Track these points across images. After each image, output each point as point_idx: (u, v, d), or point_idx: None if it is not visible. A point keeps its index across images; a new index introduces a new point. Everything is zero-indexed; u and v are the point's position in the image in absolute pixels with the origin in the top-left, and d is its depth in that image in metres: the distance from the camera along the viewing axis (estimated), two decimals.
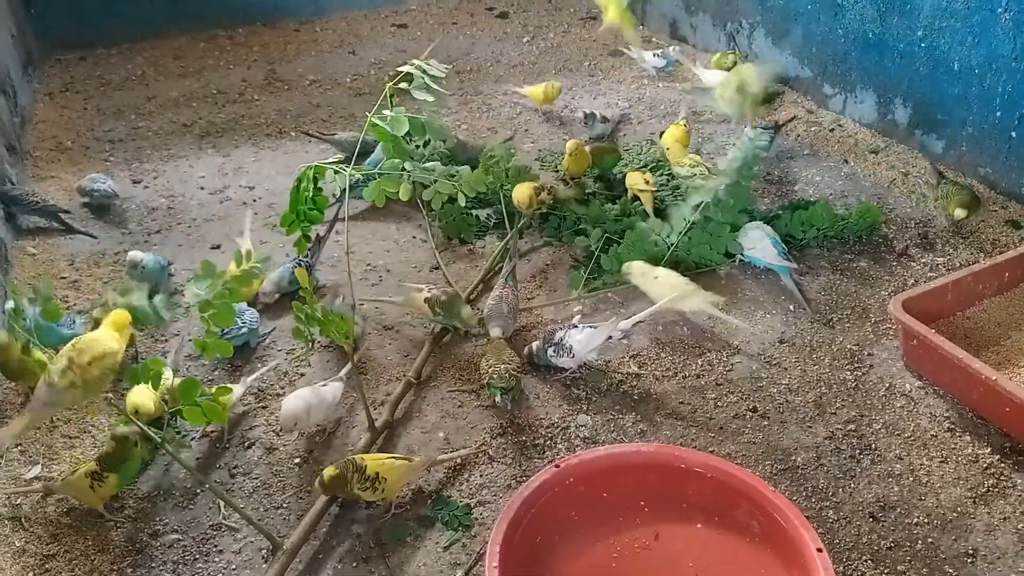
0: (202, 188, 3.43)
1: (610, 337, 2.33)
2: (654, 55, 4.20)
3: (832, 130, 3.61)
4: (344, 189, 2.17)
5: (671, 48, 4.26)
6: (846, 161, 3.40)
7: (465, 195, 2.27)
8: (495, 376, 2.23)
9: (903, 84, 3.36)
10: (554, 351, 2.34)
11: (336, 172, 2.16)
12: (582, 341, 2.31)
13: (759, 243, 2.69)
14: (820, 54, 3.72)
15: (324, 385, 2.23)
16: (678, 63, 4.21)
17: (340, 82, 4.36)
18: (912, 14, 3.23)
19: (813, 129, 3.63)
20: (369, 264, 2.90)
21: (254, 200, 3.33)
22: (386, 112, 2.12)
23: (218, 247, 3.03)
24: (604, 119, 3.61)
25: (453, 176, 2.29)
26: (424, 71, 2.15)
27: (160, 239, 3.09)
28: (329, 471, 1.90)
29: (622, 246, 2.76)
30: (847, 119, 3.65)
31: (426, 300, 2.47)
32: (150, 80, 4.43)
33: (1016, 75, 2.90)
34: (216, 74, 4.49)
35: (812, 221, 2.85)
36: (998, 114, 3.00)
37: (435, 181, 2.25)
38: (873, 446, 2.14)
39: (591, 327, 2.34)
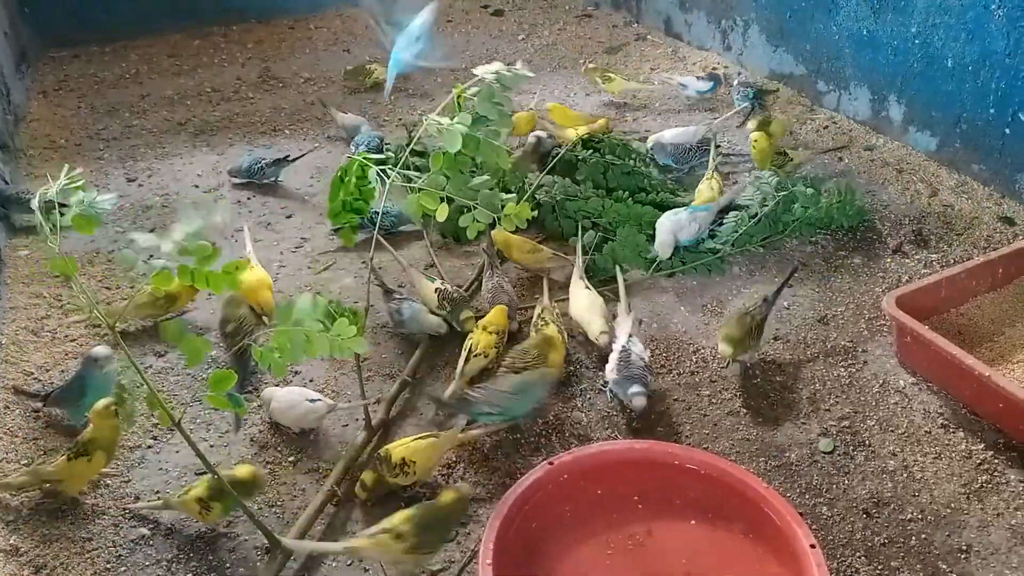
0: (196, 186, 3.43)
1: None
2: (698, 78, 3.86)
3: (826, 127, 3.61)
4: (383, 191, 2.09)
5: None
6: (840, 159, 3.40)
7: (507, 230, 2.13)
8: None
9: (897, 81, 3.36)
10: (639, 377, 2.17)
11: (379, 174, 2.04)
12: (639, 346, 2.26)
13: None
14: (814, 51, 3.72)
15: (314, 400, 2.19)
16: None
17: (335, 80, 4.34)
18: (906, 11, 3.23)
19: (807, 126, 3.63)
20: (363, 260, 2.90)
21: (248, 198, 3.32)
22: (444, 120, 1.90)
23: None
24: (551, 135, 3.40)
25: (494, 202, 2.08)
26: (509, 72, 1.88)
27: None
28: (368, 477, 1.93)
29: (616, 242, 2.77)
30: (841, 116, 3.65)
31: (436, 291, 2.50)
32: (144, 78, 4.42)
33: (1009, 72, 2.91)
34: (210, 72, 4.47)
35: (796, 199, 2.87)
36: (991, 111, 3.00)
37: (475, 207, 2.03)
38: (867, 443, 2.14)
39: (627, 333, 2.30)
